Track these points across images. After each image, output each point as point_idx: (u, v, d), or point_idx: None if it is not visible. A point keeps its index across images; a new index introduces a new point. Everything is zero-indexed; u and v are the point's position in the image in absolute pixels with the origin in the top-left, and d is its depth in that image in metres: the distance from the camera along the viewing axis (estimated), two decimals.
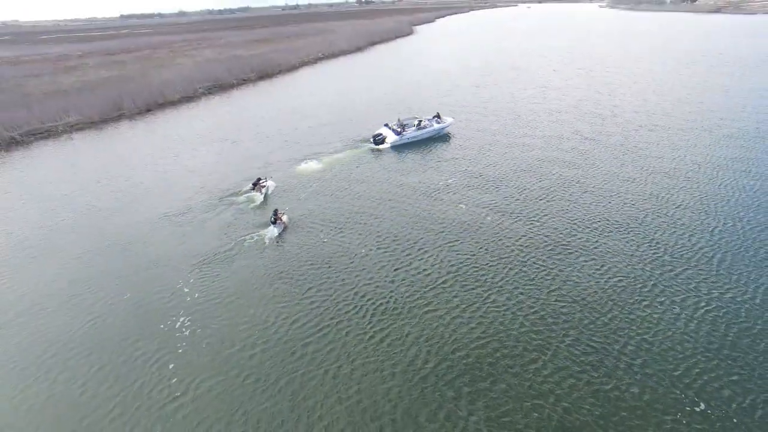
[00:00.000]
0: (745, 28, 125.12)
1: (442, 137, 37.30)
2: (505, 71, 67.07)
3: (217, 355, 14.79)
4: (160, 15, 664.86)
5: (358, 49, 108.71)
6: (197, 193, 27.61)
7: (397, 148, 35.47)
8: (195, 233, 22.87)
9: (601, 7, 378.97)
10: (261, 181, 28.75)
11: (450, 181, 27.49)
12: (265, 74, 73.71)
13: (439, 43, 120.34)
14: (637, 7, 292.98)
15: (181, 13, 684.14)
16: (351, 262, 19.54)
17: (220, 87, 64.44)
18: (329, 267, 19.32)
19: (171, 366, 14.54)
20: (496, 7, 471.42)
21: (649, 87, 51.89)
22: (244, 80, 69.29)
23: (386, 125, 38.24)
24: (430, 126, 37.96)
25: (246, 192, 27.75)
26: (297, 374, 13.88)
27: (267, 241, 22.43)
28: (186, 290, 18.25)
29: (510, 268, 18.51)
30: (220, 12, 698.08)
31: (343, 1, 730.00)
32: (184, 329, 16.04)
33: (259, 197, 27.12)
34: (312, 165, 31.88)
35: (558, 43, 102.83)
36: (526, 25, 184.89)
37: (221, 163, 32.80)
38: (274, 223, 23.76)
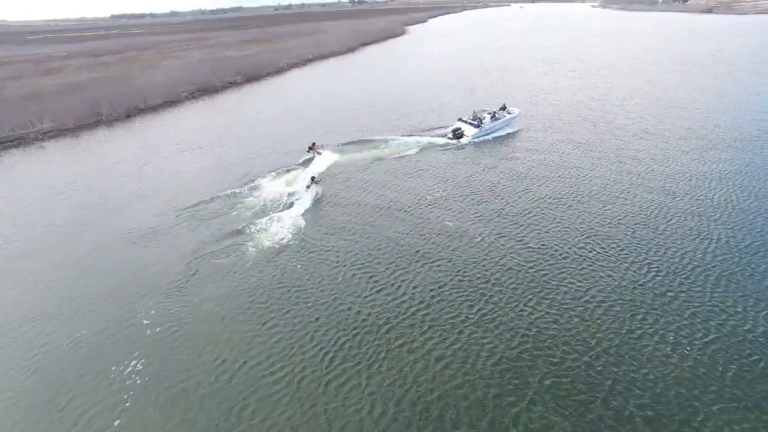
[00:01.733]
0: (738, 29, 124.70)
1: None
2: (500, 72, 65.79)
3: (171, 410, 13.30)
4: (152, 15, 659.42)
5: (350, 49, 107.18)
6: (167, 207, 26.09)
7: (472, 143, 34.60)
8: (159, 253, 21.38)
9: (593, 7, 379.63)
10: (317, 146, 33.31)
11: (438, 194, 26.25)
12: (252, 77, 72.02)
13: (432, 44, 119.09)
14: (629, 6, 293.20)
15: (173, 14, 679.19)
16: (323, 289, 18.21)
17: (204, 90, 62.73)
18: (307, 291, 17.98)
19: (116, 424, 13.07)
20: (488, 6, 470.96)
21: (643, 90, 50.73)
22: (230, 83, 67.60)
23: (461, 119, 37.61)
24: (503, 117, 37.90)
25: (303, 160, 32.44)
26: None
27: (298, 204, 25.67)
28: (146, 322, 16.78)
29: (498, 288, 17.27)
30: (212, 12, 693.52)
31: (335, 1, 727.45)
32: (135, 375, 14.52)
33: (317, 157, 32.29)
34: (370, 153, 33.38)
35: (552, 43, 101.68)
36: (520, 25, 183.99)
37: (192, 174, 31.23)
38: (308, 188, 26.98)
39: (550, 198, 24.99)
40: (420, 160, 32.01)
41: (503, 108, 38.86)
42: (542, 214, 23.22)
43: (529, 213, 23.38)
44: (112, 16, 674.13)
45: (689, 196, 24.62)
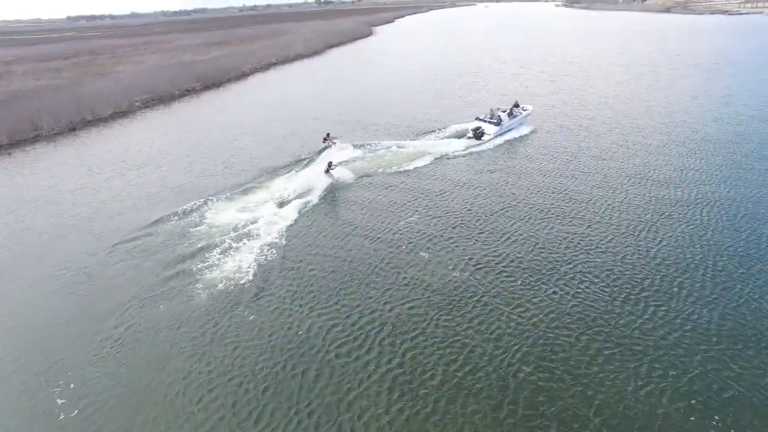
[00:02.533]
0: (697, 28, 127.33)
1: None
2: (472, 76, 64.10)
3: None
4: (111, 17, 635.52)
5: (315, 52, 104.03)
6: (102, 241, 22.84)
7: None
8: (87, 302, 18.31)
9: (557, 6, 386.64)
10: (331, 136, 34.83)
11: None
12: (212, 83, 68.19)
13: (401, 45, 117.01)
14: (592, 6, 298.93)
15: (134, 15, 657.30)
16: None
17: (160, 99, 58.77)
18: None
19: None
20: (455, 6, 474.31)
21: (617, 93, 49.80)
22: (188, 90, 63.70)
23: (478, 118, 37.36)
24: (520, 114, 38.25)
25: (320, 149, 33.81)
26: None
27: (320, 189, 27.15)
28: (60, 402, 13.81)
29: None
30: (175, 13, 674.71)
31: (302, 1, 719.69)
32: None
33: (332, 146, 33.77)
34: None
35: (519, 43, 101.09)
36: (486, 24, 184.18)
37: (136, 197, 27.90)
38: (326, 172, 27.94)
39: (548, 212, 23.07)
40: (445, 169, 30.27)
41: (516, 105, 38.86)
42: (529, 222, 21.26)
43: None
44: (68, 18, 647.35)
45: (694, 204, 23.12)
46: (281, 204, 25.92)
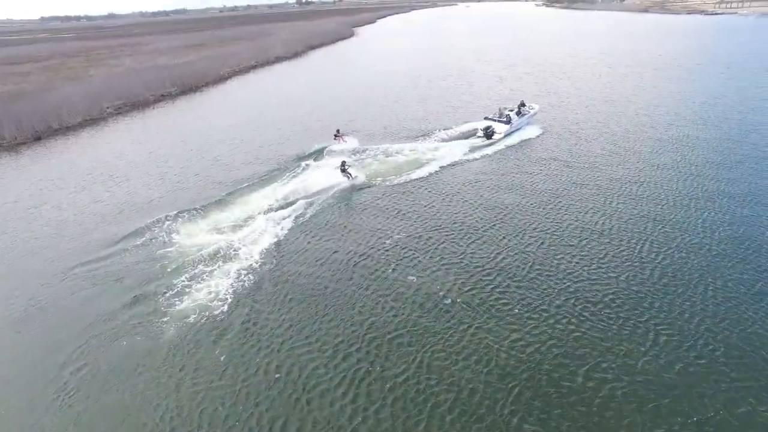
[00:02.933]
0: (676, 28, 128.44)
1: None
2: (456, 79, 62.87)
3: None
4: (87, 17, 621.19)
5: (296, 54, 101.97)
6: (60, 265, 20.87)
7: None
8: (37, 340, 16.41)
9: (537, 6, 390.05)
10: (340, 133, 35.58)
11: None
12: (188, 87, 65.73)
13: (383, 46, 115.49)
14: (572, 5, 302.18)
15: (111, 16, 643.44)
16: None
17: (133, 105, 56.30)
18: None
19: None
20: (436, 6, 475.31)
21: (603, 95, 48.97)
22: (163, 95, 61.26)
23: (487, 118, 37.42)
24: (527, 113, 38.67)
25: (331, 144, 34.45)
26: None
27: (339, 191, 27.08)
28: None
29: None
30: (153, 14, 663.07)
31: (283, 2, 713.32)
32: None
33: (343, 143, 34.36)
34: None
35: (502, 43, 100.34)
36: (468, 24, 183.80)
37: (101, 215, 25.83)
38: (343, 172, 27.98)
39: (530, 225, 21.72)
40: (452, 177, 28.92)
41: (522, 105, 39.20)
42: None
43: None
44: (42, 19, 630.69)
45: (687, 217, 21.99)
46: (262, 218, 24.16)
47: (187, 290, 18.60)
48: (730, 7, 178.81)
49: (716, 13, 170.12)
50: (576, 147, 33.35)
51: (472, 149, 34.03)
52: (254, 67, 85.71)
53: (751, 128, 35.37)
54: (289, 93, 59.57)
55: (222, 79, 74.45)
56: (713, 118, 38.47)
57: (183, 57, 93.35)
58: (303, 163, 32.20)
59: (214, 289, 18.63)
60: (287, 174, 30.42)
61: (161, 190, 29.03)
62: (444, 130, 38.64)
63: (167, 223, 24.05)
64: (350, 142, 35.09)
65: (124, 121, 49.44)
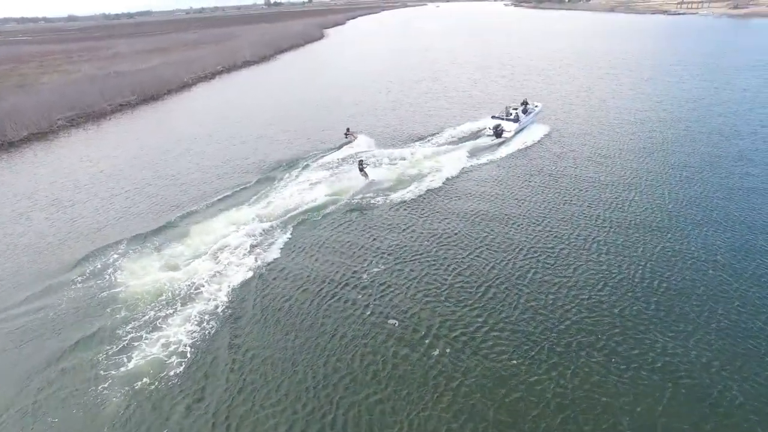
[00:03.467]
0: (644, 28, 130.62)
1: None
2: (429, 83, 61.16)
3: None
4: (46, 19, 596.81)
5: (264, 58, 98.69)
6: None
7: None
8: None
9: (506, 5, 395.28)
10: (351, 131, 36.49)
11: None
12: (149, 96, 61.98)
13: (353, 48, 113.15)
14: (540, 5, 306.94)
15: (71, 18, 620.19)
16: None
17: (88, 116, 52.48)
18: None
19: None
20: (406, 6, 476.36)
21: (582, 99, 47.96)
22: (121, 105, 57.52)
23: (494, 117, 37.58)
24: (533, 111, 39.39)
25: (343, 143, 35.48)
26: None
27: (357, 189, 26.79)
28: None
29: None
30: (116, 16, 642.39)
31: (251, 3, 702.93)
32: None
33: (354, 140, 35.51)
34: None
35: (474, 44, 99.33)
36: (439, 25, 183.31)
37: (43, 246, 22.99)
38: (361, 171, 27.82)
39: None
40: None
41: (525, 103, 39.65)
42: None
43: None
44: None
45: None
46: (229, 247, 21.74)
47: (135, 343, 16.12)
48: (691, 8, 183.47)
49: (678, 14, 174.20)
50: (584, 147, 33.03)
51: (482, 150, 33.80)
52: (220, 73, 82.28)
53: (734, 127, 34.76)
54: (256, 101, 56.81)
55: (186, 86, 70.93)
56: (694, 118, 37.84)
57: (145, 62, 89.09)
58: (297, 170, 30.80)
59: (170, 341, 16.22)
60: (258, 192, 27.99)
61: (110, 216, 26.14)
62: (454, 127, 39.03)
63: (115, 257, 21.35)
64: (361, 140, 35.72)
65: (77, 134, 45.84)
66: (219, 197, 27.55)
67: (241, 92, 64.76)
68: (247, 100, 57.43)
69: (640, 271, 18.34)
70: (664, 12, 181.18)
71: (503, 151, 33.55)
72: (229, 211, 25.68)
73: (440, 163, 31.20)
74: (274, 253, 21.27)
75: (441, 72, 69.20)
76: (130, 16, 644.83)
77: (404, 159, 32.20)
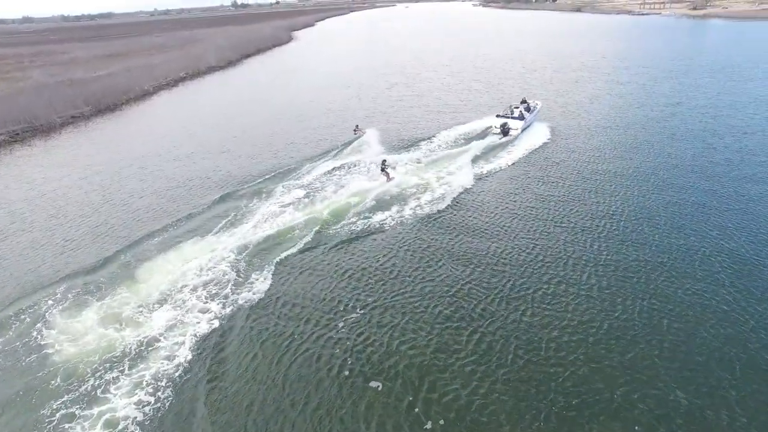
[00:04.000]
0: (610, 27, 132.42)
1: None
2: (400, 88, 59.17)
3: None
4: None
5: (230, 63, 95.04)
6: None
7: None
8: None
9: (474, 5, 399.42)
10: (359, 128, 38.11)
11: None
12: (105, 106, 57.81)
13: (322, 52, 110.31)
14: (508, 5, 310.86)
15: (27, 19, 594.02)
16: None
17: (34, 131, 48.30)
18: None
19: None
20: (375, 7, 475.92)
21: (556, 102, 46.68)
22: (73, 117, 53.43)
23: (499, 116, 37.91)
24: (535, 109, 39.84)
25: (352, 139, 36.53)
26: None
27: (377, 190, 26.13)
28: None
29: None
30: (76, 18, 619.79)
31: (217, 5, 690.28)
32: None
33: (362, 135, 36.88)
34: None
35: (444, 46, 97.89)
36: (409, 26, 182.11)
37: None
38: (382, 171, 27.64)
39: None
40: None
41: (524, 101, 40.39)
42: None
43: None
44: None
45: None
46: (187, 289, 19.05)
47: (67, 425, 13.40)
48: (653, 8, 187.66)
49: (642, 14, 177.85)
50: (588, 149, 32.19)
51: (493, 151, 33.93)
52: (183, 80, 78.38)
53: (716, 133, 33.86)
54: (220, 110, 53.74)
55: (146, 94, 67.00)
56: (679, 120, 36.89)
57: (104, 68, 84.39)
58: (267, 189, 28.33)
59: (116, 416, 13.56)
60: (223, 217, 25.05)
61: (47, 252, 22.90)
62: (460, 125, 39.82)
63: (47, 306, 18.34)
64: (370, 135, 37.09)
65: (19, 151, 41.83)
66: (177, 225, 24.62)
67: (205, 101, 61.40)
68: (210, 110, 54.27)
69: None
70: (629, 12, 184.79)
71: (515, 154, 32.93)
72: (189, 241, 22.71)
73: (449, 169, 30.24)
74: (245, 294, 18.64)
75: (414, 77, 67.37)
76: (90, 18, 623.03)
77: (418, 162, 31.63)
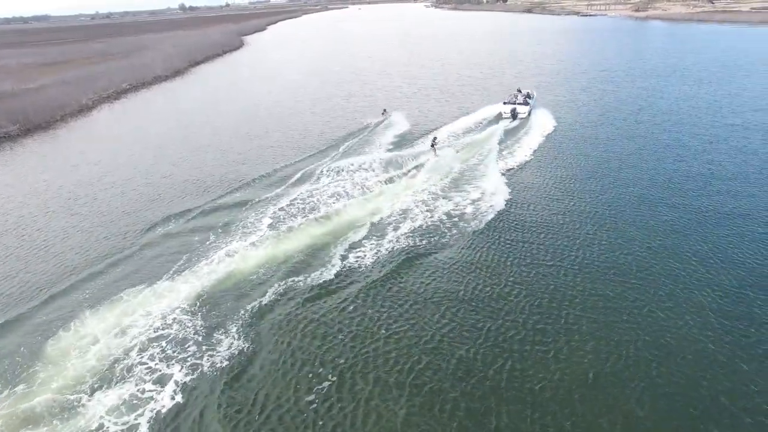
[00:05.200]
0: (561, 28, 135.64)
1: None
2: (358, 99, 57.17)
3: None
4: None
5: (178, 72, 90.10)
6: None
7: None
8: None
9: (426, 7, 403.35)
10: (386, 111, 45.21)
11: None
12: (35, 125, 52.55)
13: (274, 58, 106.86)
14: (459, 7, 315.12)
15: None
16: None
17: None
18: None
19: None
20: (327, 9, 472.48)
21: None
22: None
23: (507, 102, 42.83)
24: (533, 96, 45.39)
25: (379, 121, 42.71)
26: None
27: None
28: None
29: None
30: (7, 20, 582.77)
31: (164, 7, 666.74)
32: None
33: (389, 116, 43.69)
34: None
35: (400, 51, 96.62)
36: (363, 29, 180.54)
37: None
38: (432, 146, 31.79)
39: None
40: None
41: (519, 90, 45.45)
42: None
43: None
44: None
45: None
46: (124, 365, 15.79)
47: None
48: (600, 10, 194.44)
49: (589, 15, 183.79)
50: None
51: (504, 129, 38.59)
52: (127, 91, 73.30)
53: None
54: (164, 126, 50.03)
55: (85, 108, 61.78)
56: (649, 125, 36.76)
57: (35, 80, 77.85)
58: (220, 223, 24.79)
59: None
60: (168, 260, 21.75)
61: None
62: (469, 114, 44.60)
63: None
64: (395, 117, 43.79)
65: None
66: (112, 270, 21.42)
67: (149, 115, 57.28)
68: (154, 127, 50.36)
69: None
70: (578, 13, 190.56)
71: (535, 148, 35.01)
72: (131, 290, 19.52)
73: (481, 152, 33.49)
74: (212, 354, 16.01)
75: (369, 83, 65.67)
76: (24, 20, 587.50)
77: (456, 151, 33.80)
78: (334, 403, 13.86)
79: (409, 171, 30.56)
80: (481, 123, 41.71)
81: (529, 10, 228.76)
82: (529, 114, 42.10)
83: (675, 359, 14.57)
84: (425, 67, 77.71)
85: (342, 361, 15.45)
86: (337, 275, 19.94)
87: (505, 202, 25.74)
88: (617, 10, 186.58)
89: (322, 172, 31.76)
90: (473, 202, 26.04)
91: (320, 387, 14.45)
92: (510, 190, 27.10)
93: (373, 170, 31.15)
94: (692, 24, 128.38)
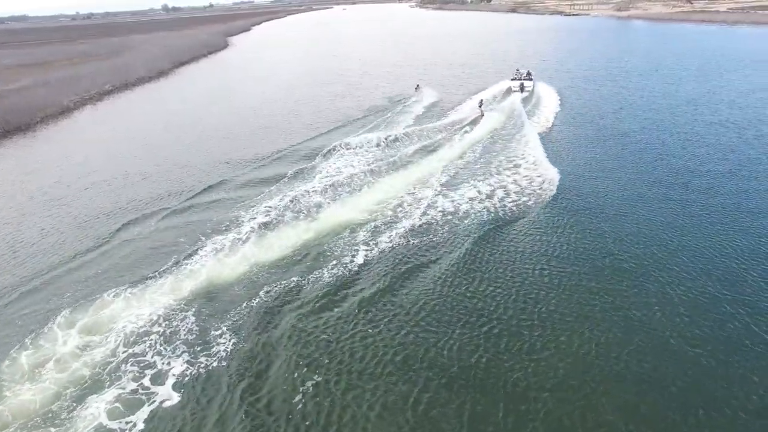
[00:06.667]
0: (545, 27, 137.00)
1: None
2: (347, 101, 57.20)
3: None
4: None
5: (162, 73, 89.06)
6: None
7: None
8: None
9: (411, 7, 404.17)
10: (419, 87, 55.20)
11: None
12: (15, 126, 51.51)
13: (260, 59, 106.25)
14: (444, 7, 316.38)
15: None
16: None
17: None
18: None
19: None
20: (312, 10, 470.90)
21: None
22: None
23: (514, 78, 51.22)
24: (532, 74, 53.09)
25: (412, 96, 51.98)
26: None
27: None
28: None
29: None
30: None
31: (147, 8, 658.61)
32: None
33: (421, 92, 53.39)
34: None
35: (390, 51, 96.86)
36: (348, 29, 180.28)
37: None
38: (480, 106, 41.02)
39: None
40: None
41: (518, 71, 52.98)
42: None
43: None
44: None
45: None
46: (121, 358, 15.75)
47: None
48: (583, 10, 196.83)
49: (573, 15, 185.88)
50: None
51: (517, 99, 45.97)
52: (109, 93, 72.30)
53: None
54: (149, 127, 49.44)
55: (66, 110, 60.77)
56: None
57: (14, 81, 76.46)
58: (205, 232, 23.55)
59: None
60: (159, 270, 20.90)
61: None
62: (482, 90, 52.97)
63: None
64: (426, 92, 53.35)
65: None
66: (84, 272, 20.84)
67: (133, 117, 56.51)
68: (138, 127, 49.74)
69: None
70: (561, 13, 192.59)
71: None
72: (110, 293, 18.89)
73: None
74: (194, 365, 15.57)
75: (357, 85, 65.60)
76: (1, 20, 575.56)
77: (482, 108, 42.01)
78: (322, 403, 13.87)
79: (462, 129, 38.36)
80: (496, 96, 50.01)
81: (513, 10, 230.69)
82: (533, 88, 50.57)
83: (672, 357, 14.75)
84: (412, 66, 77.87)
85: (335, 360, 15.41)
86: (332, 275, 19.96)
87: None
88: (600, 10, 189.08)
89: (333, 153, 35.14)
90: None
91: (307, 386, 14.42)
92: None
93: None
94: (672, 24, 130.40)
